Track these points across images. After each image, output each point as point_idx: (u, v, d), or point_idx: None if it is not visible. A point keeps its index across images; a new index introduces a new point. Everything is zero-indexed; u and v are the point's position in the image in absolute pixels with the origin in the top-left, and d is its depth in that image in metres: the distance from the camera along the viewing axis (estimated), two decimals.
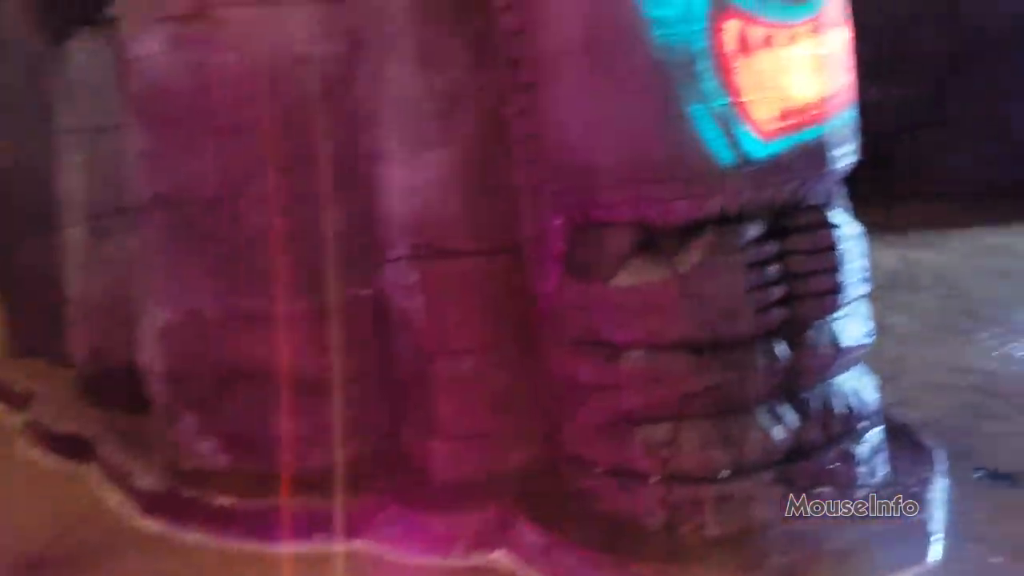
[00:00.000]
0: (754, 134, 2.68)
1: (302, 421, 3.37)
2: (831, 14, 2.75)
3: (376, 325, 3.43)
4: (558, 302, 2.97)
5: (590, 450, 2.93)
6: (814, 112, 2.75)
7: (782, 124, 2.71)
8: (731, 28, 2.59)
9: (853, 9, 2.89)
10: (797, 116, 2.73)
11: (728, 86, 2.62)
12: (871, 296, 3.46)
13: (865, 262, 3.04)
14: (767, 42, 2.63)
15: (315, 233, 3.36)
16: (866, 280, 3.05)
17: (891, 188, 7.59)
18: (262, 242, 3.37)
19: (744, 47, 2.60)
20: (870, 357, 3.18)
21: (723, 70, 2.61)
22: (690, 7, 2.57)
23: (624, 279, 2.78)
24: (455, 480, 3.20)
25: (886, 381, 4.33)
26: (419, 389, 3.30)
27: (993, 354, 4.65)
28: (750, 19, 2.60)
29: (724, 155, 2.65)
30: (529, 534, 2.95)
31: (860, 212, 3.18)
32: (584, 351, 2.88)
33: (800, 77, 2.71)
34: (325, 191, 3.33)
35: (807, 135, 2.75)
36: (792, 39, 2.66)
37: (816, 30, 2.69)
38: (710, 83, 2.61)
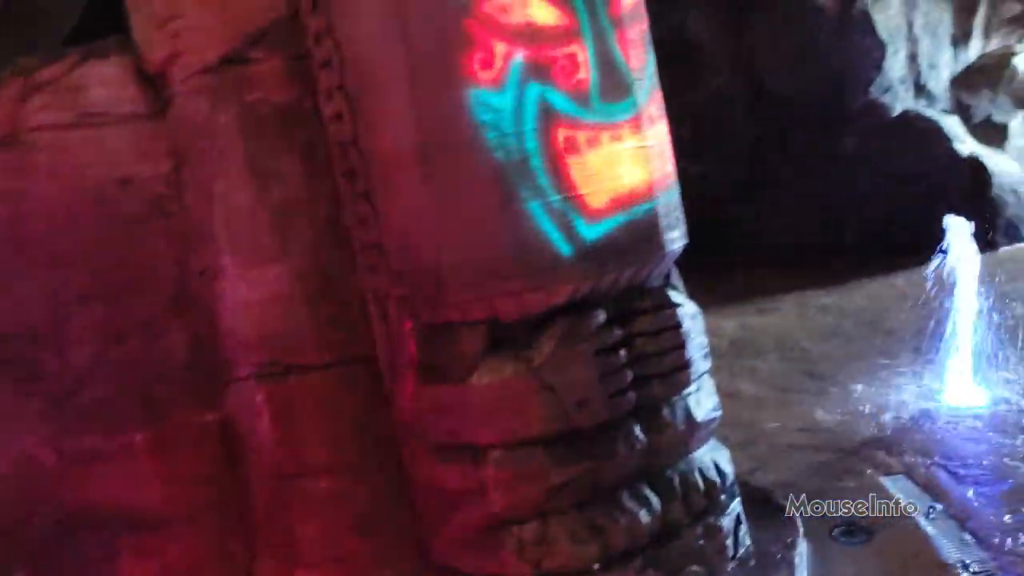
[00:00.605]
0: (590, 225, 2.74)
1: (151, 563, 3.13)
2: (650, 111, 2.88)
3: (225, 450, 3.25)
4: (416, 409, 2.91)
5: (462, 560, 2.85)
6: (644, 201, 2.84)
7: (616, 214, 2.79)
8: (559, 133, 2.67)
9: (670, 94, 3.03)
10: (629, 205, 2.82)
11: (561, 182, 2.69)
12: (719, 365, 3.57)
13: (705, 338, 3.13)
14: (593, 142, 2.72)
15: (152, 359, 3.19)
16: (708, 355, 3.14)
17: (722, 260, 8.00)
18: (94, 375, 3.16)
19: (572, 148, 2.68)
20: (724, 425, 3.25)
21: (555, 168, 2.67)
22: (518, 110, 2.63)
23: (479, 378, 2.76)
24: None
25: (741, 447, 4.47)
26: (276, 515, 3.13)
27: (836, 411, 4.87)
28: (574, 125, 2.69)
29: (564, 247, 2.70)
30: None
31: (697, 286, 3.29)
32: (448, 457, 2.82)
33: (628, 169, 2.80)
34: (160, 314, 3.17)
35: (641, 223, 2.84)
36: (616, 138, 2.76)
37: (637, 127, 2.81)
38: (544, 180, 2.67)
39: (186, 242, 3.20)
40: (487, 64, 2.59)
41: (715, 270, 7.80)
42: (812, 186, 8.36)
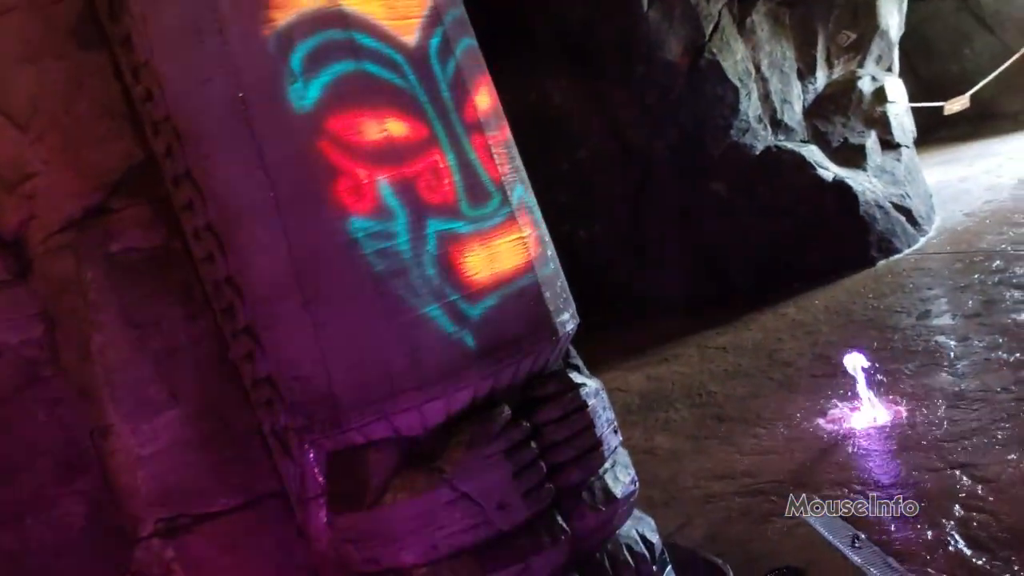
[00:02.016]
0: (485, 317, 2.75)
1: None
2: (522, 207, 2.94)
3: None
4: (333, 540, 2.82)
5: None
6: (532, 286, 2.87)
7: (508, 304, 2.80)
8: (434, 243, 2.69)
9: (544, 163, 3.09)
10: (518, 293, 2.84)
11: (443, 288, 2.69)
12: (634, 421, 3.60)
13: (612, 413, 3.15)
14: (469, 246, 2.74)
15: (48, 533, 3.02)
16: (617, 429, 3.16)
17: (621, 314, 8.12)
18: None
19: (449, 255, 2.71)
20: (645, 484, 3.26)
21: (438, 273, 2.68)
22: (390, 227, 2.63)
23: (393, 498, 2.70)
24: None
25: (665, 505, 4.51)
26: None
27: (750, 452, 4.95)
28: (453, 236, 2.72)
29: (454, 352, 2.69)
30: None
31: (599, 343, 3.31)
32: None
33: (509, 259, 2.84)
34: (50, 485, 3.02)
35: (530, 310, 2.86)
36: (491, 237, 2.80)
37: (512, 224, 2.86)
38: (423, 290, 2.67)
39: (69, 404, 3.07)
40: (353, 188, 2.60)
41: (615, 325, 7.94)
42: (692, 233, 8.59)
